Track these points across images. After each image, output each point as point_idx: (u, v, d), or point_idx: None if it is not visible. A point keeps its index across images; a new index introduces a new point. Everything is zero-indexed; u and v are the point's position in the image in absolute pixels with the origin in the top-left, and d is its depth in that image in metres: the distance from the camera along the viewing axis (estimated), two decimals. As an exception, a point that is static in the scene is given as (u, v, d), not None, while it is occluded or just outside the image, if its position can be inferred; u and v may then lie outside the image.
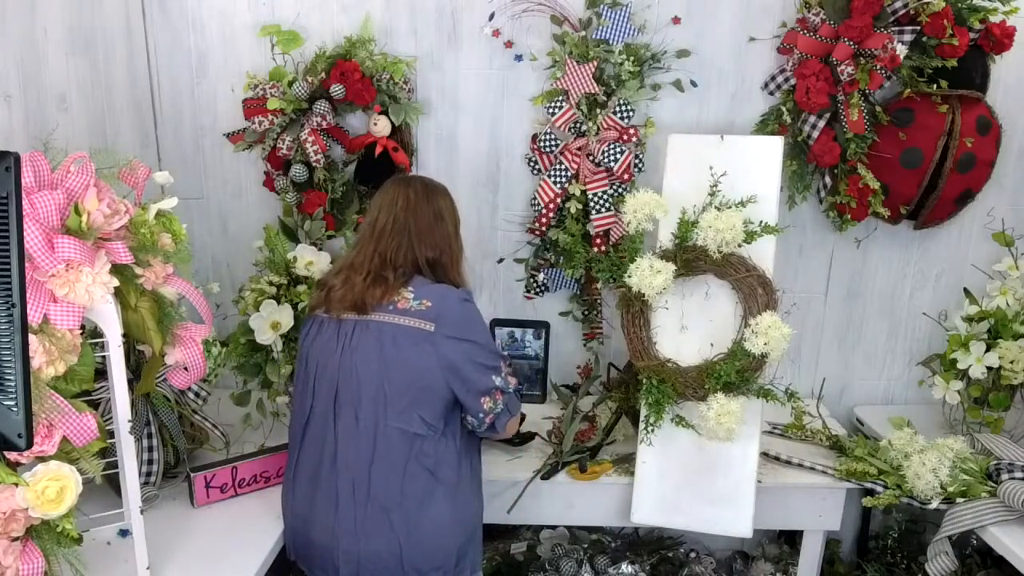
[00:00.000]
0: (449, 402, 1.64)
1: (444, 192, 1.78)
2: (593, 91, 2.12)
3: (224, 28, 2.19)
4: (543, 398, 2.39)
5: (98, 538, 1.61)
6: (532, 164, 2.26)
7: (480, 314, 1.71)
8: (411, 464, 1.61)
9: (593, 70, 2.11)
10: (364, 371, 1.61)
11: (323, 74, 2.10)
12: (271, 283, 2.01)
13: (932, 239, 2.34)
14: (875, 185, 2.10)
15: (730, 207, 1.85)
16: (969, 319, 2.13)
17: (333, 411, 1.63)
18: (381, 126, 2.15)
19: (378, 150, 2.16)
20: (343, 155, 2.24)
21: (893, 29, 2.00)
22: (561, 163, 2.20)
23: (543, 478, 1.96)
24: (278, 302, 1.99)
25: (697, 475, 1.88)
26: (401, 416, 1.60)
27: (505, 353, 1.88)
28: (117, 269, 1.35)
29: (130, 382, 1.44)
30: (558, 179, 2.20)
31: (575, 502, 2.02)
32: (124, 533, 1.60)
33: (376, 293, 1.63)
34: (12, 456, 1.22)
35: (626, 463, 1.99)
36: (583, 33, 2.13)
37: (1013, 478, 1.80)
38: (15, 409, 1.05)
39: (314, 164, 2.14)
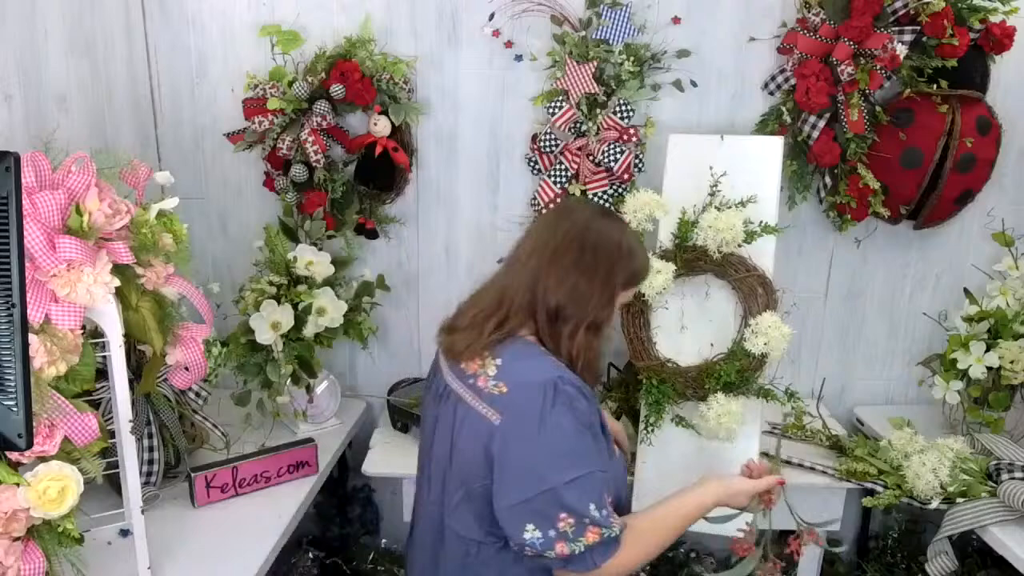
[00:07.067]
0: None
1: (620, 227, 1.38)
2: (593, 91, 2.12)
3: (224, 28, 2.19)
4: (543, 398, 2.37)
5: (99, 538, 1.61)
6: (532, 164, 2.26)
7: (570, 428, 1.25)
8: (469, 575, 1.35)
9: (593, 70, 2.11)
10: (438, 450, 1.35)
11: (323, 74, 2.10)
12: (271, 283, 2.01)
13: (932, 239, 2.34)
14: (875, 185, 2.10)
15: (730, 207, 1.85)
16: (969, 319, 2.13)
17: (420, 479, 1.47)
18: (381, 126, 2.15)
19: (378, 150, 2.16)
20: (343, 155, 2.24)
21: (893, 29, 2.00)
22: (561, 163, 2.20)
23: (543, 478, 1.96)
24: (278, 302, 1.99)
25: (697, 475, 1.87)
26: (455, 515, 1.33)
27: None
28: (118, 269, 1.35)
29: (131, 382, 1.44)
30: (558, 179, 2.20)
31: (575, 502, 2.01)
32: (125, 533, 1.61)
33: (462, 342, 1.31)
34: (13, 456, 1.22)
35: (626, 463, 2.00)
36: (583, 33, 2.13)
37: (1013, 478, 1.81)
38: (15, 409, 1.06)
39: (314, 164, 2.14)
